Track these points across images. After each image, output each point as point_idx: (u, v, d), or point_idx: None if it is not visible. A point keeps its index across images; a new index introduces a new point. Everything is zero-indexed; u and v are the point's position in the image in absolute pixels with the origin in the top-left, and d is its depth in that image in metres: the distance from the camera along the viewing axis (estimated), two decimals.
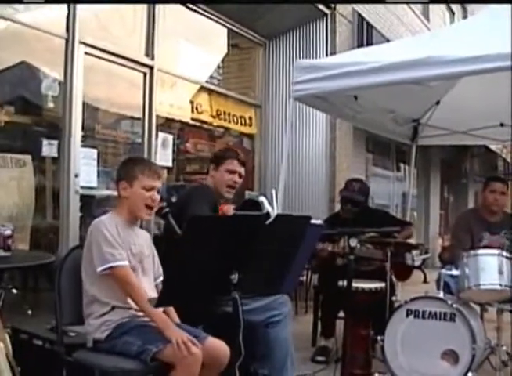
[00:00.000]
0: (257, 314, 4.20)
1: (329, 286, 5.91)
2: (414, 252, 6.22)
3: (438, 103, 7.67)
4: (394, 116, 7.77)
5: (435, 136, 8.58)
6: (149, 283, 3.70)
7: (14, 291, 3.77)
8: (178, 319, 3.63)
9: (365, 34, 10.63)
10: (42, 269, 5.70)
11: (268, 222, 2.81)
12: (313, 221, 3.17)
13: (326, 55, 9.45)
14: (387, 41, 10.61)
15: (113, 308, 3.50)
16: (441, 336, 4.78)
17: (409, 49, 5.81)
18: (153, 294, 3.60)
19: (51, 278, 3.87)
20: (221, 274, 2.88)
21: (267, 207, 2.85)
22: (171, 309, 3.61)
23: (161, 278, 3.74)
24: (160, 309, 3.45)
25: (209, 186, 4.71)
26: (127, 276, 3.47)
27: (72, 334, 3.85)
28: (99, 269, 3.44)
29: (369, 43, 10.37)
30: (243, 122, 9.64)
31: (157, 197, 3.71)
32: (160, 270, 3.81)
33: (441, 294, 5.00)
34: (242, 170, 4.78)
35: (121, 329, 3.45)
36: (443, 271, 5.36)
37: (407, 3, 10.95)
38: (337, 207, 6.80)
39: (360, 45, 10.14)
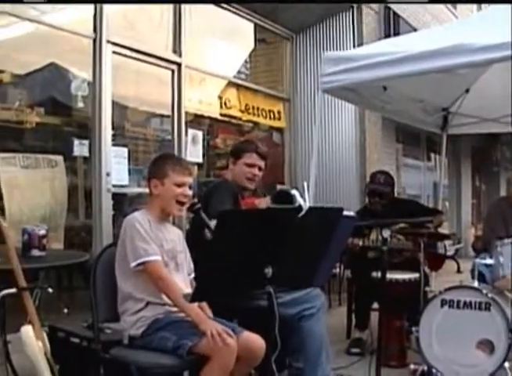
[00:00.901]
0: (290, 307, 4.19)
1: (362, 278, 5.92)
2: (447, 242, 6.20)
3: (467, 90, 7.62)
4: (424, 105, 7.74)
5: (466, 125, 8.53)
6: (183, 279, 3.71)
7: (50, 290, 3.80)
8: (211, 314, 3.64)
9: (392, 24, 10.56)
10: (76, 268, 5.77)
11: (300, 215, 2.81)
12: (346, 212, 3.17)
13: (354, 46, 9.42)
14: (415, 30, 10.54)
15: (147, 304, 3.52)
16: (477, 326, 4.74)
17: (437, 38, 5.79)
18: (187, 289, 3.62)
19: (85, 277, 3.91)
20: (255, 268, 2.88)
21: (299, 200, 2.86)
22: (205, 305, 3.63)
23: (193, 274, 3.76)
24: (195, 304, 3.46)
25: (228, 181, 4.68)
26: (159, 271, 3.49)
27: (108, 331, 3.88)
28: (133, 264, 3.47)
29: (396, 33, 10.31)
30: (272, 116, 9.64)
31: (189, 192, 3.72)
32: (192, 266, 3.83)
33: (475, 284, 4.97)
34: (261, 163, 4.68)
35: (157, 325, 3.47)
36: (477, 260, 5.33)
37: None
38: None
39: (387, 36, 10.08)
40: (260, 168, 4.67)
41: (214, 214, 3.37)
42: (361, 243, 5.93)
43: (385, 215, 5.82)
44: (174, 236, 3.82)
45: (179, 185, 3.68)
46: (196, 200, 3.78)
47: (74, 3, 6.45)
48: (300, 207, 2.81)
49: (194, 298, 3.15)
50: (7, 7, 5.67)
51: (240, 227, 2.75)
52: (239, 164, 4.64)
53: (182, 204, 3.70)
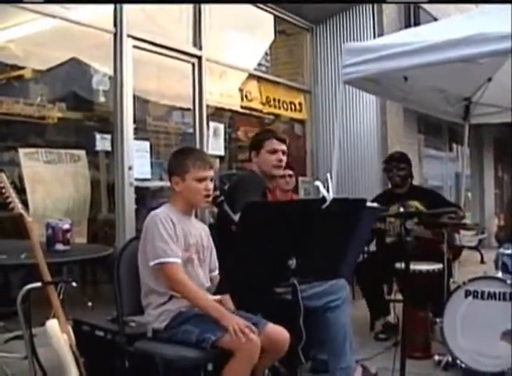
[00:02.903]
0: (316, 300, 4.19)
1: (378, 263, 5.93)
2: (469, 233, 6.16)
3: (489, 79, 7.56)
4: (445, 95, 7.69)
5: (488, 114, 8.46)
6: (203, 274, 3.71)
7: (74, 284, 3.81)
8: (233, 307, 3.64)
9: (412, 14, 10.50)
10: (100, 262, 5.80)
11: (324, 206, 2.80)
12: (369, 203, 3.16)
13: (374, 37, 9.37)
14: (435, 20, 10.47)
15: (171, 297, 3.52)
16: (501, 316, 4.72)
17: (459, 27, 5.75)
18: (207, 285, 3.66)
19: (109, 270, 3.92)
20: (278, 260, 2.88)
21: (322, 191, 2.84)
22: (227, 298, 3.62)
23: (217, 271, 3.78)
24: (216, 298, 3.46)
25: (256, 172, 4.65)
26: (176, 274, 3.46)
27: (132, 324, 3.90)
28: (151, 263, 3.47)
29: (417, 23, 10.23)
30: (293, 108, 9.63)
31: (211, 186, 3.69)
32: (216, 263, 3.83)
33: (499, 274, 4.96)
34: (283, 147, 4.65)
35: (180, 318, 3.48)
36: (501, 250, 5.31)
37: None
38: None
39: (408, 26, 10.02)
40: (283, 152, 4.64)
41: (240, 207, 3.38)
42: (379, 225, 5.91)
43: (405, 199, 5.87)
44: (200, 231, 3.80)
45: (201, 180, 3.65)
46: (218, 193, 3.76)
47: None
48: (323, 199, 2.80)
49: (218, 290, 3.16)
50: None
51: (264, 219, 2.75)
52: (263, 154, 4.62)
53: (206, 197, 3.69)
